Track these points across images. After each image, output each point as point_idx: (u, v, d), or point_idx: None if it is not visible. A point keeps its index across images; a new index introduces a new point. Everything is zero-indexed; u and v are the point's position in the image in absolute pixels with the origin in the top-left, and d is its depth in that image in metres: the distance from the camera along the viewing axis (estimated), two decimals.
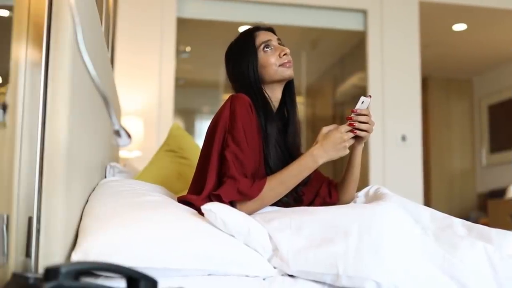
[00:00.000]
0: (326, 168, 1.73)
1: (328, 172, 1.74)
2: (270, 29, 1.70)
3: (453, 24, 5.14)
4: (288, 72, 1.62)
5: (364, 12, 4.49)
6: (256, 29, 1.68)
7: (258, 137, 1.53)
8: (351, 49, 5.21)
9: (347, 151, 1.51)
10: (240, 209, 1.39)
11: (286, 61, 1.61)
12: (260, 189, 1.43)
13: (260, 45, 1.62)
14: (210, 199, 1.42)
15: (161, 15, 4.09)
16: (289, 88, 1.69)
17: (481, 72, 6.71)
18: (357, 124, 1.49)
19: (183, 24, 4.28)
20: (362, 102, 1.49)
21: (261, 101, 1.59)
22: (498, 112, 6.45)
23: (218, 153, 1.49)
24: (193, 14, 4.33)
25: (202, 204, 1.29)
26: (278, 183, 1.46)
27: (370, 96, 1.52)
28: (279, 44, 1.66)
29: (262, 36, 1.64)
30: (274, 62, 1.61)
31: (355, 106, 1.50)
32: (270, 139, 1.57)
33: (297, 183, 1.49)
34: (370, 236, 1.21)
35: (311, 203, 1.66)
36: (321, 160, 1.48)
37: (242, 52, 1.65)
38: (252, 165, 1.47)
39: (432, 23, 4.89)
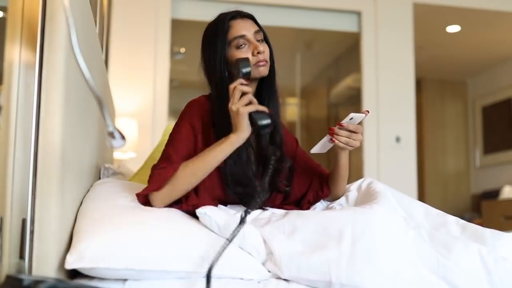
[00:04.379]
0: (320, 163, 1.73)
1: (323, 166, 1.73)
2: (249, 15, 1.52)
3: (447, 25, 5.16)
4: (262, 71, 1.47)
5: (358, 14, 4.50)
6: (232, 17, 1.50)
7: (192, 132, 1.45)
8: (345, 50, 5.22)
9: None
10: (153, 200, 1.35)
11: (260, 59, 1.45)
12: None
13: (233, 40, 1.46)
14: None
15: (155, 16, 4.08)
16: (268, 85, 1.53)
17: (475, 74, 6.74)
18: (336, 134, 1.47)
19: (177, 25, 4.27)
20: (351, 118, 1.44)
21: (225, 99, 1.38)
22: (492, 113, 6.47)
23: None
24: (187, 15, 4.32)
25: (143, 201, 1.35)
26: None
27: (368, 112, 1.47)
28: (256, 35, 1.48)
29: (237, 28, 1.47)
30: None
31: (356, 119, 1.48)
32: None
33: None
34: (363, 242, 1.20)
35: (304, 196, 1.64)
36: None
37: (213, 43, 1.48)
38: (181, 154, 1.40)
39: (426, 24, 4.91)
